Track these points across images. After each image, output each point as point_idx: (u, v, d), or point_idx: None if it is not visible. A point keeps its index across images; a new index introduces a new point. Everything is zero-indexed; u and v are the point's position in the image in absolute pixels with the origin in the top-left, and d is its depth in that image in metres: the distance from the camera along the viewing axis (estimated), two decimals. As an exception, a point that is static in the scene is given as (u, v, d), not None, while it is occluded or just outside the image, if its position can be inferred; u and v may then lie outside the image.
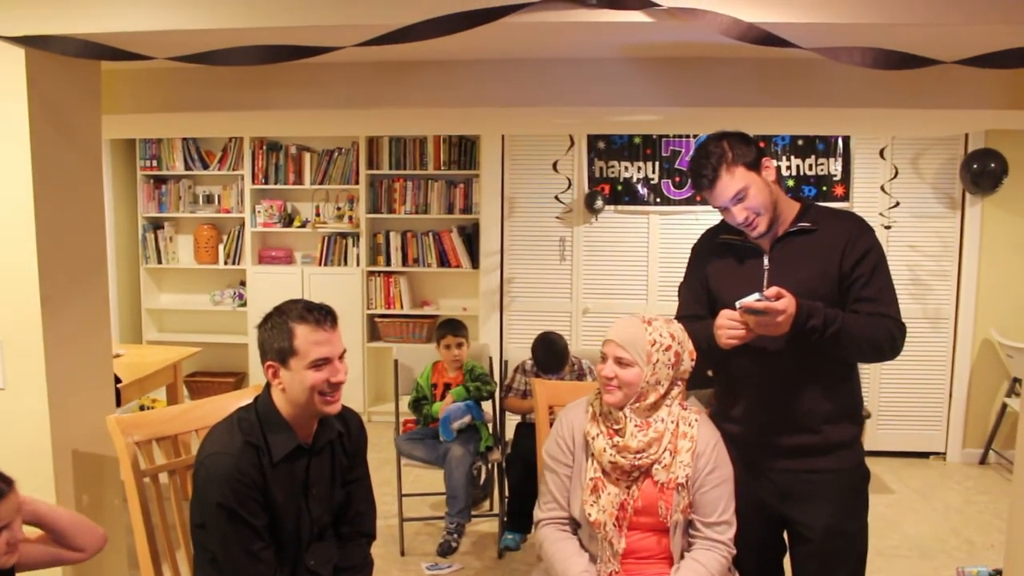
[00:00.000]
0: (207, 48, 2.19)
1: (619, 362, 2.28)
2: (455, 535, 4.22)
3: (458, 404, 4.24)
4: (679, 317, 2.53)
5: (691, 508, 2.30)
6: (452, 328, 4.41)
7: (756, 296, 2.14)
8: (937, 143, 5.71)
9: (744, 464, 2.48)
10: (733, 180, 2.29)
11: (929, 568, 4.17)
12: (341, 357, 2.19)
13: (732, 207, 2.32)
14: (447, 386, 4.37)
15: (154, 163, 6.61)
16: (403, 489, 4.33)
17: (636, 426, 2.29)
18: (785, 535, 2.54)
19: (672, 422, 2.31)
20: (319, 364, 2.12)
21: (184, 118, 3.53)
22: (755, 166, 2.33)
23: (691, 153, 2.58)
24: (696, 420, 2.35)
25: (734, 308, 2.27)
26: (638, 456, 2.28)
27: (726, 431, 2.51)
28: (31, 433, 2.40)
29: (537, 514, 2.44)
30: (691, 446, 2.30)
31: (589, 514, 2.30)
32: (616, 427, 2.31)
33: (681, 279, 2.66)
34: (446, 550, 4.17)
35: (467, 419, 4.20)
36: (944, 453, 5.94)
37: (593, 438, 2.33)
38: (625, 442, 2.28)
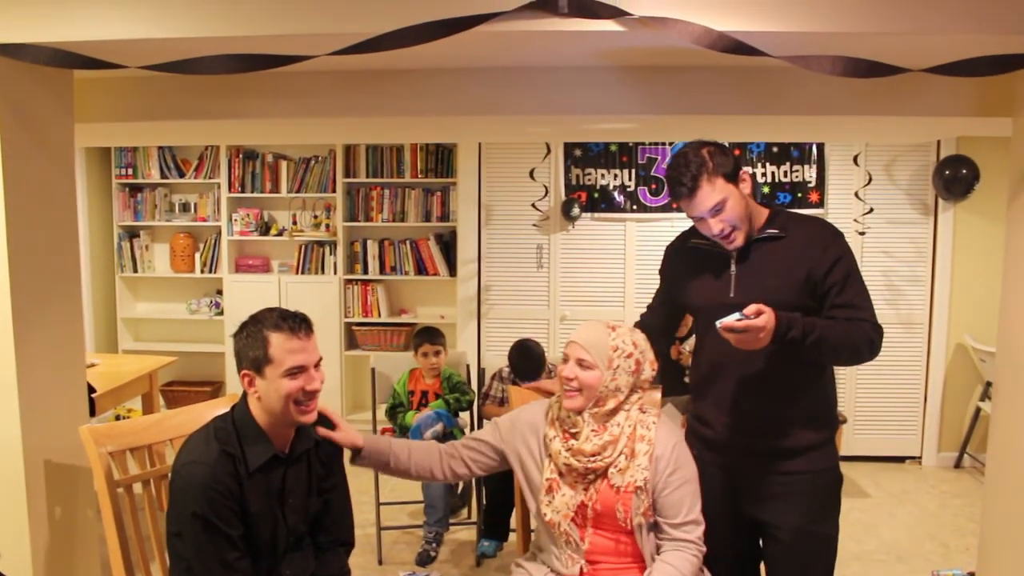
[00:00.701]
0: (180, 57, 2.18)
1: (580, 363, 2.29)
2: (433, 544, 4.22)
3: (429, 412, 4.23)
4: (649, 305, 2.71)
5: (653, 510, 2.30)
6: (430, 336, 4.40)
7: (736, 316, 2.15)
8: (910, 150, 5.77)
9: (719, 467, 2.50)
10: (713, 191, 2.30)
11: (905, 571, 4.20)
12: (317, 365, 2.18)
13: (709, 218, 2.33)
14: (424, 393, 4.37)
15: (129, 171, 6.57)
16: (380, 497, 4.32)
17: (592, 430, 2.31)
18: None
19: (629, 426, 2.32)
20: (294, 372, 2.12)
21: (159, 127, 3.51)
22: (733, 178, 2.35)
23: (668, 160, 2.60)
24: (654, 423, 2.35)
25: (700, 313, 2.29)
26: (592, 459, 2.29)
27: (701, 434, 2.56)
28: (2, 443, 2.38)
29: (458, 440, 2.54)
30: (648, 449, 2.30)
31: (544, 514, 2.32)
32: (572, 431, 2.33)
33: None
34: (425, 559, 4.17)
35: (439, 427, 4.19)
36: (919, 457, 5.99)
37: (551, 440, 2.35)
38: (580, 445, 2.29)
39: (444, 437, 4.21)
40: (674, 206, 5.71)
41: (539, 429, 2.41)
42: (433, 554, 4.21)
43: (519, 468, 2.44)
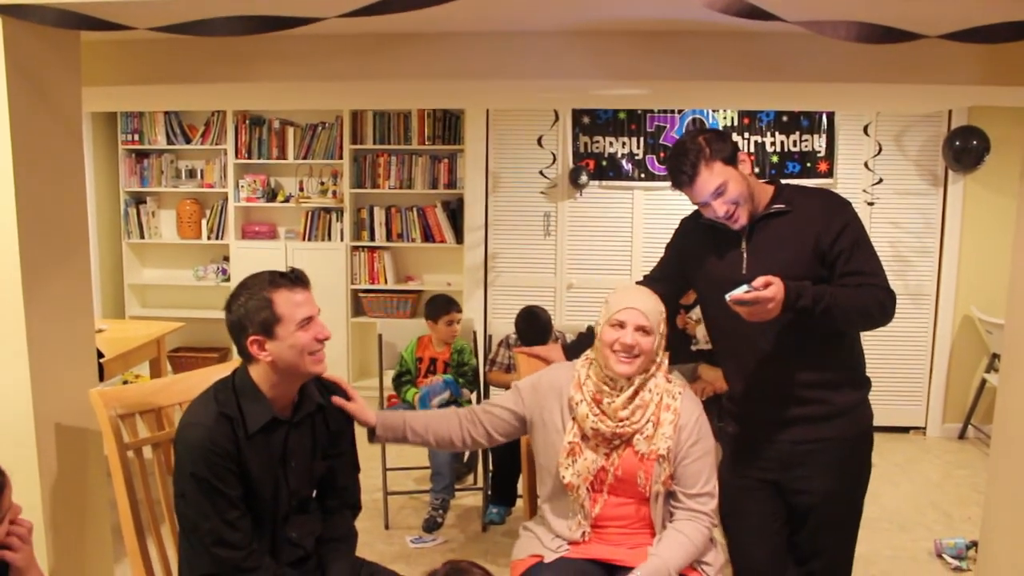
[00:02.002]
0: (189, 18, 2.16)
1: (640, 329, 2.30)
2: (440, 511, 4.25)
3: (437, 381, 4.25)
4: (647, 276, 2.75)
5: (673, 480, 2.33)
6: (453, 305, 4.43)
7: (744, 288, 2.16)
8: (921, 120, 5.73)
9: (742, 441, 2.52)
10: (712, 175, 2.34)
11: (907, 540, 4.23)
12: (318, 314, 2.20)
13: (712, 202, 2.36)
14: (432, 361, 4.37)
15: (136, 137, 6.55)
16: (387, 463, 4.34)
17: (627, 396, 2.32)
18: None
19: (657, 394, 2.34)
20: (305, 324, 2.13)
21: (166, 90, 3.49)
22: (732, 160, 2.37)
23: (668, 152, 2.63)
24: (680, 393, 2.38)
25: (711, 288, 2.30)
26: (620, 424, 2.30)
27: (727, 407, 2.62)
28: (14, 407, 2.39)
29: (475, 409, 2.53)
30: (674, 419, 2.32)
31: (563, 476, 2.33)
32: (605, 395, 2.33)
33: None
34: (432, 526, 4.20)
35: (446, 395, 4.21)
36: (924, 428, 6.01)
37: (577, 403, 2.35)
38: (612, 408, 2.31)
39: (451, 405, 4.22)
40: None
41: (563, 392, 2.42)
42: (440, 520, 4.23)
43: (539, 430, 2.44)
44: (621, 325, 2.31)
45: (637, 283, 2.76)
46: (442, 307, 4.41)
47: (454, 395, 4.25)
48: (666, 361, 2.42)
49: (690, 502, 2.33)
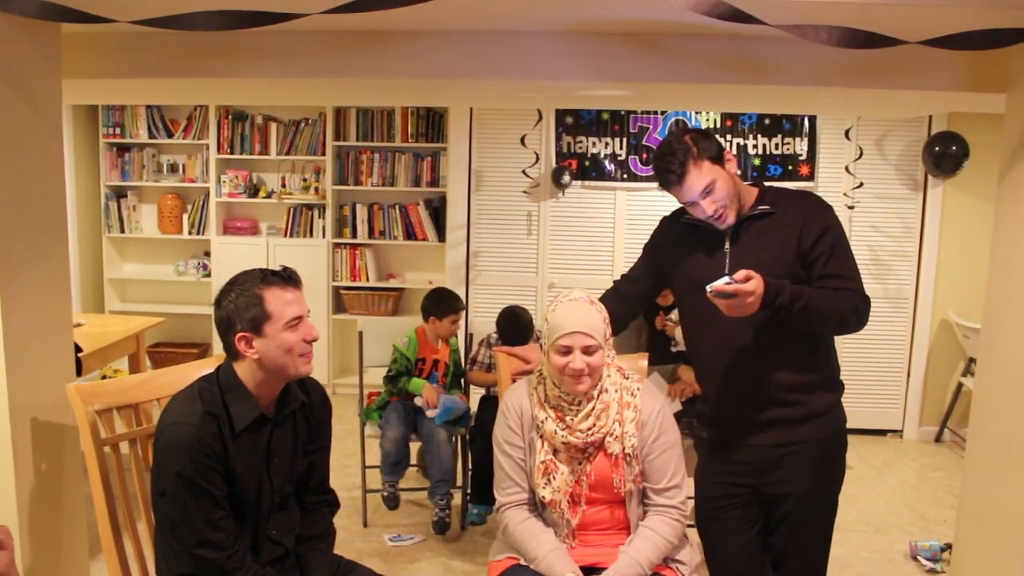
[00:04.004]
0: (171, 12, 2.15)
1: (587, 351, 2.27)
2: (447, 511, 4.12)
3: (459, 401, 4.20)
4: (624, 275, 2.75)
5: (642, 475, 2.34)
6: (460, 302, 4.36)
7: (725, 280, 2.17)
8: (901, 125, 5.77)
9: (716, 445, 2.53)
10: (701, 174, 2.34)
11: (883, 542, 4.26)
12: (308, 315, 2.19)
13: (701, 201, 2.37)
14: (435, 363, 4.32)
15: (117, 131, 6.51)
16: (366, 461, 4.33)
17: (585, 404, 2.32)
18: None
19: (616, 391, 2.35)
20: (294, 324, 2.13)
21: (147, 84, 3.46)
22: (719, 159, 2.38)
23: (654, 152, 2.64)
24: (638, 389, 2.38)
25: (692, 288, 2.30)
26: (590, 432, 2.30)
27: (700, 411, 2.62)
28: (-11, 401, 2.37)
29: (499, 498, 2.44)
30: (635, 416, 2.33)
31: (543, 496, 2.33)
32: (563, 411, 2.33)
33: None
34: (443, 527, 4.09)
35: (460, 414, 4.20)
36: (901, 431, 6.05)
37: (542, 422, 2.34)
38: (576, 422, 2.31)
39: (453, 424, 4.19)
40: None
41: (524, 412, 2.40)
42: (448, 521, 4.11)
43: None
44: (568, 350, 2.28)
45: (616, 282, 2.78)
46: (449, 304, 4.31)
47: (462, 423, 4.23)
48: (614, 355, 2.41)
49: (658, 497, 2.34)
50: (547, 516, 2.39)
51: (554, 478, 2.32)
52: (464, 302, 4.40)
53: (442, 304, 4.32)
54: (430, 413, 4.12)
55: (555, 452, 2.34)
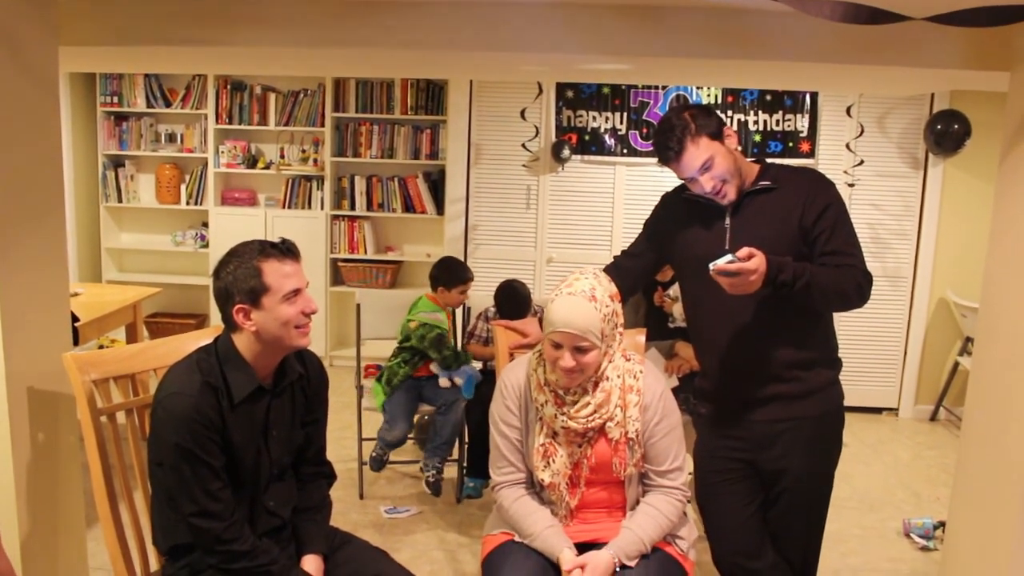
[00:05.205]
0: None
1: (578, 350, 2.20)
2: (442, 475, 4.18)
3: (472, 369, 4.21)
4: (624, 251, 2.72)
5: (643, 459, 2.33)
6: (469, 272, 4.33)
7: (728, 258, 2.15)
8: (903, 103, 5.74)
9: (716, 421, 2.54)
10: (699, 150, 2.34)
11: (877, 519, 4.29)
12: (306, 287, 2.19)
13: (700, 177, 2.36)
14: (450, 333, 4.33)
15: (115, 100, 6.47)
16: (363, 433, 4.34)
17: (586, 392, 2.29)
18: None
19: (618, 377, 2.31)
20: (292, 296, 2.12)
21: (146, 52, 3.44)
22: (718, 135, 2.37)
23: (654, 129, 2.62)
24: (641, 371, 2.35)
25: (692, 263, 2.29)
26: (591, 419, 2.28)
27: (700, 387, 2.61)
28: (-15, 369, 2.37)
29: (494, 477, 2.42)
30: (638, 400, 2.30)
31: (541, 479, 2.31)
32: (565, 395, 2.30)
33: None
34: (439, 488, 4.13)
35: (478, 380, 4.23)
36: (896, 409, 6.07)
37: (542, 405, 2.31)
38: (577, 410, 2.28)
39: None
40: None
41: (522, 393, 2.37)
42: (441, 484, 4.18)
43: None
44: (556, 346, 2.22)
45: (616, 257, 2.77)
46: (459, 274, 4.28)
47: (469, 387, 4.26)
48: (622, 340, 2.37)
49: (660, 479, 2.33)
50: (544, 496, 2.39)
51: (553, 461, 2.31)
52: (472, 273, 4.37)
53: (452, 273, 4.29)
54: (455, 382, 4.14)
55: (554, 435, 2.32)
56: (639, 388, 2.31)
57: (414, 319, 4.20)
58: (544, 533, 2.28)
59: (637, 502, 2.37)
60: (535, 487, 2.40)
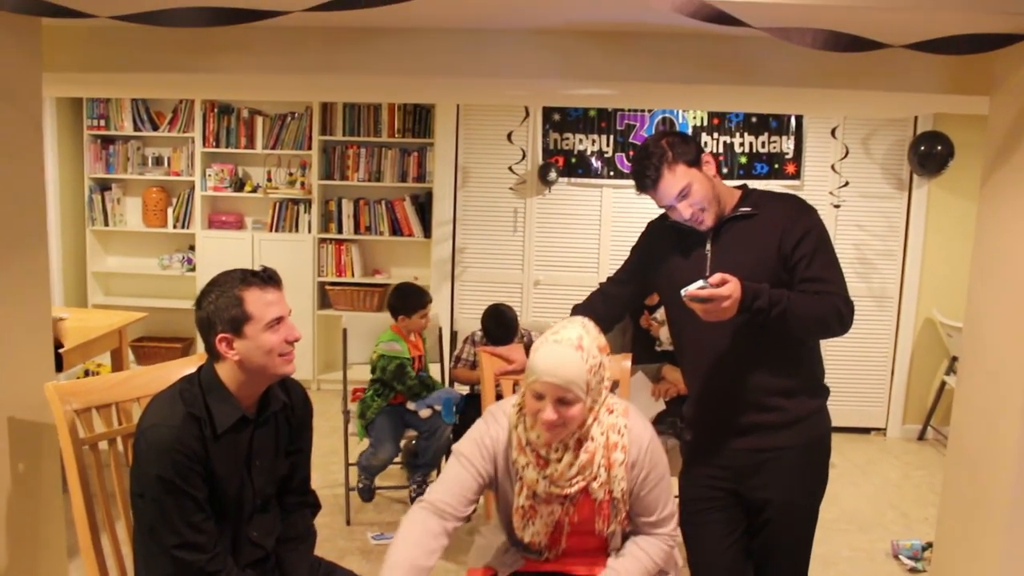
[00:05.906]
0: (150, 7, 2.13)
1: (562, 402, 2.05)
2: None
3: (449, 392, 4.23)
4: (611, 278, 2.71)
5: (628, 518, 2.25)
6: (427, 296, 4.29)
7: (700, 284, 2.15)
8: (887, 124, 5.79)
9: (699, 448, 2.53)
10: (675, 178, 2.34)
11: (866, 540, 4.28)
12: (289, 315, 2.18)
13: (677, 204, 2.37)
14: (420, 359, 4.31)
15: (102, 123, 6.46)
16: (350, 459, 4.32)
17: (568, 452, 2.15)
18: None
19: (601, 434, 2.16)
20: (274, 324, 2.11)
21: (130, 78, 3.45)
22: (695, 163, 2.38)
23: (633, 156, 2.63)
24: (625, 427, 2.19)
25: (673, 291, 2.29)
26: (573, 481, 2.16)
27: (685, 413, 2.62)
28: (-34, 400, 2.35)
29: (427, 493, 2.20)
30: (623, 458, 2.17)
31: (522, 537, 2.23)
32: (546, 456, 2.16)
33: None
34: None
35: (458, 400, 4.24)
36: (885, 429, 6.08)
37: (523, 468, 2.17)
38: (559, 472, 2.14)
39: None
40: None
41: (500, 451, 2.23)
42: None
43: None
44: (538, 396, 2.06)
45: (602, 284, 2.77)
46: (417, 299, 4.22)
47: (462, 401, 4.26)
48: (608, 396, 2.23)
49: (651, 529, 2.26)
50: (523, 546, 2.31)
51: (533, 522, 2.22)
52: (430, 294, 4.33)
53: (409, 300, 4.23)
54: (434, 409, 4.15)
55: (534, 495, 2.19)
56: (624, 445, 2.17)
57: (376, 351, 4.21)
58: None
59: (616, 550, 2.29)
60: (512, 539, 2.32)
